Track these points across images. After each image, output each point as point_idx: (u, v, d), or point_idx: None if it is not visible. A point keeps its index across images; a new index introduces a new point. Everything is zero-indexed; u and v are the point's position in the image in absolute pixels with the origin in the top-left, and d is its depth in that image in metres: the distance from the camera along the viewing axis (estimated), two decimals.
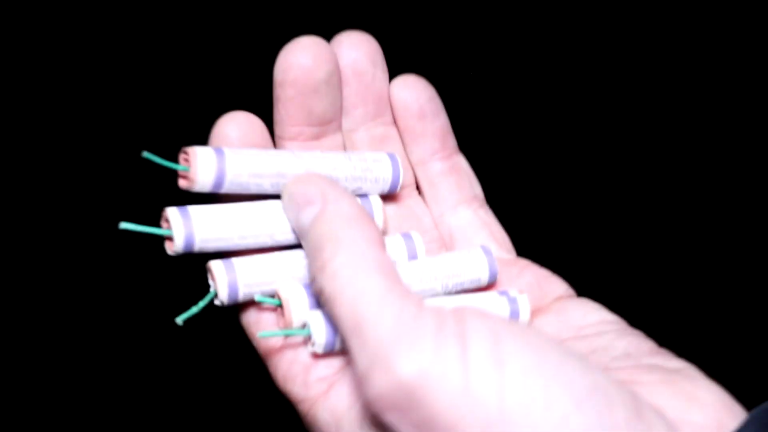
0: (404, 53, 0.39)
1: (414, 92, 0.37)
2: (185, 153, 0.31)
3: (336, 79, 0.35)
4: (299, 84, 0.34)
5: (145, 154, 0.31)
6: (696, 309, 0.75)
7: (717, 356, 0.36)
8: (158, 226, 0.31)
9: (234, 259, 0.32)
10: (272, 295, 0.33)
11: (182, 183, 0.32)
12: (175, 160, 0.31)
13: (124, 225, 0.30)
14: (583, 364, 0.26)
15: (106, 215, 0.76)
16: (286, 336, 0.32)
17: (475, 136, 0.42)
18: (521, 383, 0.25)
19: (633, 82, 0.83)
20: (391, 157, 0.35)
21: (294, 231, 0.33)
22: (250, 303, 0.34)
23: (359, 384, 0.27)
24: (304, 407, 0.32)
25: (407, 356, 0.25)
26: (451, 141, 0.38)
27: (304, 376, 0.32)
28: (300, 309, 0.32)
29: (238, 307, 0.34)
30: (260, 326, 0.33)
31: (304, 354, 0.32)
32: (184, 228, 0.31)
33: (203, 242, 0.31)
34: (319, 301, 0.29)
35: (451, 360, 0.25)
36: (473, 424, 0.25)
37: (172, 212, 0.31)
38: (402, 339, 0.26)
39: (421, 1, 0.81)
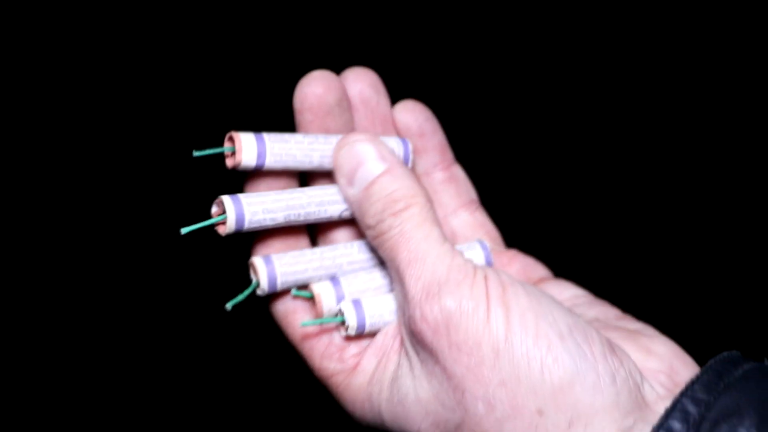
0: (401, 82, 0.45)
1: (413, 114, 0.41)
2: (230, 139, 0.36)
3: (345, 103, 0.40)
4: (315, 109, 0.39)
5: (195, 153, 0.35)
6: (652, 281, 0.83)
7: (673, 319, 0.42)
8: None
9: (273, 255, 0.37)
10: (305, 288, 0.38)
11: (229, 162, 0.36)
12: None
13: (185, 229, 0.34)
14: (567, 311, 0.33)
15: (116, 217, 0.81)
16: (322, 323, 0.38)
17: (466, 147, 0.48)
18: (518, 319, 0.32)
19: (597, 89, 0.89)
20: (403, 141, 0.40)
21: (343, 185, 0.37)
22: (284, 295, 0.38)
23: (408, 308, 0.34)
24: (338, 378, 0.38)
25: (454, 292, 0.33)
26: (449, 153, 0.43)
27: (340, 353, 0.38)
28: (330, 301, 0.37)
29: (270, 299, 0.39)
30: (296, 315, 0.39)
31: (337, 337, 0.38)
32: (236, 210, 0.35)
33: (253, 215, 0.35)
34: (378, 240, 0.35)
35: (479, 300, 0.32)
36: (489, 347, 0.32)
37: (225, 198, 0.35)
38: (452, 278, 0.33)
39: (410, 34, 0.88)
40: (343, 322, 0.37)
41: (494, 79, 0.89)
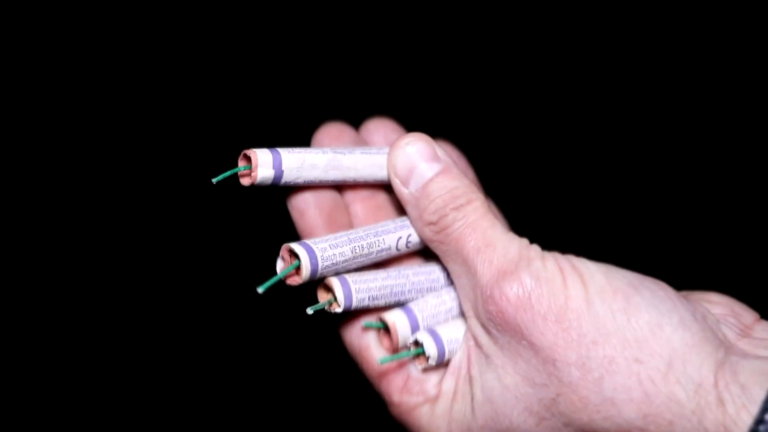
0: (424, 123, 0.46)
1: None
2: (245, 156, 0.35)
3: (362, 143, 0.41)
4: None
5: (214, 180, 0.35)
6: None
7: None
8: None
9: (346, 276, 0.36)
10: (375, 315, 0.37)
11: (245, 181, 0.35)
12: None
13: (261, 288, 0.34)
14: (627, 270, 0.35)
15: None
16: (400, 358, 0.37)
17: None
18: (592, 282, 0.34)
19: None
20: None
21: (398, 186, 0.37)
22: (356, 328, 0.38)
23: (483, 292, 0.34)
24: (422, 410, 0.38)
25: (530, 267, 0.34)
26: (480, 188, 0.42)
27: (421, 386, 0.38)
28: (405, 330, 0.37)
29: (344, 331, 0.39)
30: (369, 350, 0.38)
31: (413, 369, 0.38)
32: (311, 261, 0.35)
33: (325, 269, 0.35)
34: (441, 234, 0.36)
35: (554, 271, 0.34)
36: (573, 311, 0.33)
37: (298, 248, 0.35)
38: (523, 258, 0.34)
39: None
40: (419, 354, 0.37)
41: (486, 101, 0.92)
